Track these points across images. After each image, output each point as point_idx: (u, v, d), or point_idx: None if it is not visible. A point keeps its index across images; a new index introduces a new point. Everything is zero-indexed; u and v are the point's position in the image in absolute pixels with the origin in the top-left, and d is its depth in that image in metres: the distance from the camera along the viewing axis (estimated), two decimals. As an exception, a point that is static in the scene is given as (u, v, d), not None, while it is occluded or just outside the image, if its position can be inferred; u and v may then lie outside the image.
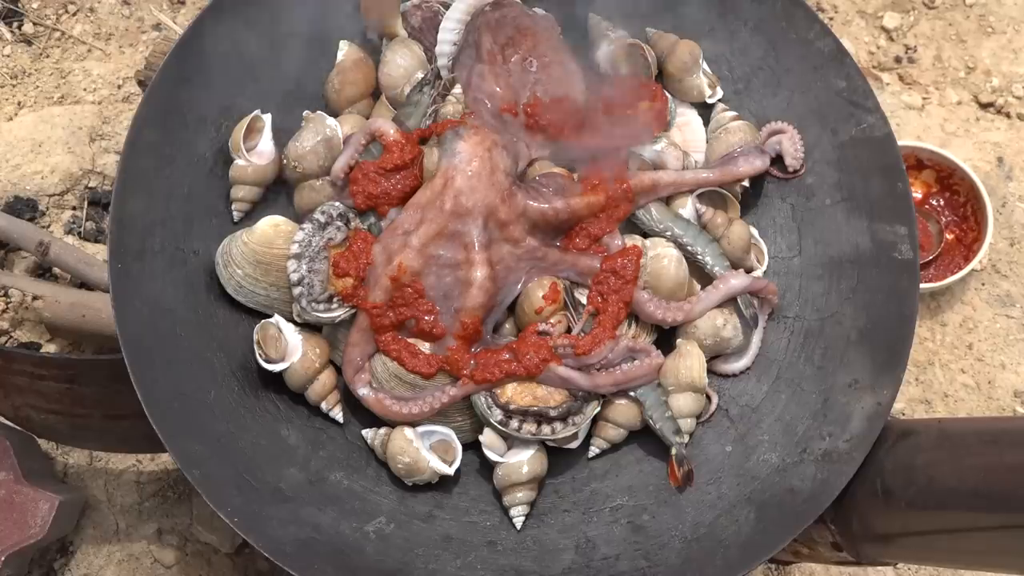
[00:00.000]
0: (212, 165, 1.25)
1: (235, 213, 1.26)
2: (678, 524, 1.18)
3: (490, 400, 1.17)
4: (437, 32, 1.28)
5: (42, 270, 1.79)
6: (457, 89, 1.29)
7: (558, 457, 1.22)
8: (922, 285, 1.71)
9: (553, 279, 1.20)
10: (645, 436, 1.23)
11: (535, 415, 1.15)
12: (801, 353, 1.25)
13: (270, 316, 1.21)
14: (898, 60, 2.02)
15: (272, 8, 1.28)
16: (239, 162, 1.24)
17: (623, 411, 1.20)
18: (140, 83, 1.68)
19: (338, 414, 1.22)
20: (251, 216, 1.25)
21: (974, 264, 1.78)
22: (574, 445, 1.21)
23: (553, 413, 1.15)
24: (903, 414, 1.79)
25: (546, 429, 1.16)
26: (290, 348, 1.18)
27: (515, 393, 1.16)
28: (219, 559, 1.65)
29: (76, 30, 1.97)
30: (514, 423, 1.16)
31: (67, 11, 1.98)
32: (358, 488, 1.19)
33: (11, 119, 1.89)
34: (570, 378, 1.16)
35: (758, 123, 1.30)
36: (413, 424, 1.19)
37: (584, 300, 1.20)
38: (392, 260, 1.16)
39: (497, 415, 1.16)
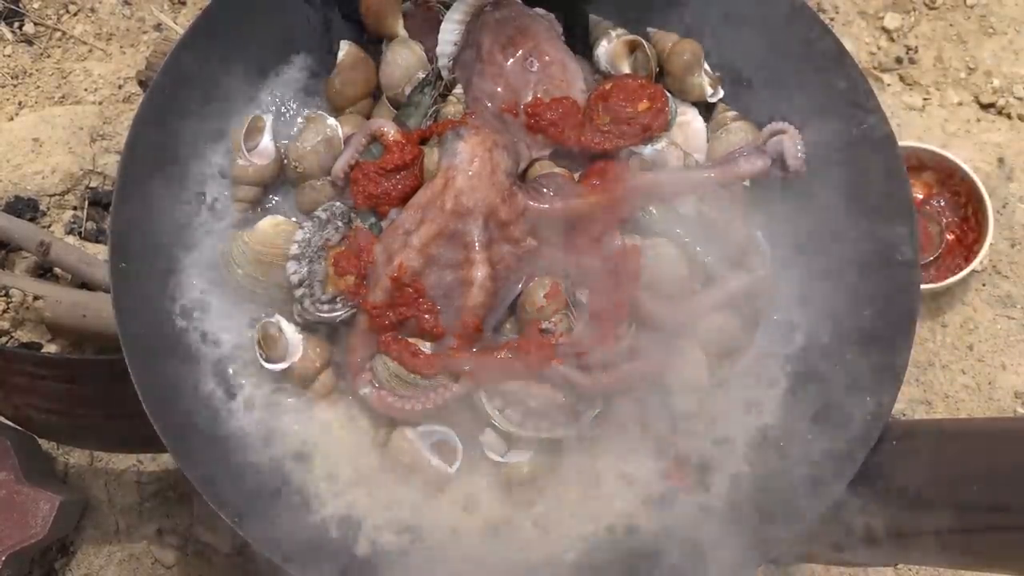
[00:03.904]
0: (212, 165, 1.25)
1: (236, 213, 1.25)
2: (678, 524, 1.18)
3: (490, 394, 1.17)
4: (438, 32, 1.28)
5: (43, 270, 1.79)
6: (458, 89, 1.29)
7: (558, 457, 1.22)
8: (923, 286, 1.71)
9: (554, 278, 1.20)
10: (645, 436, 1.22)
11: (515, 402, 1.16)
12: (801, 354, 1.25)
13: (271, 316, 1.21)
14: (899, 61, 2.02)
15: (273, 8, 1.28)
16: (240, 162, 1.24)
17: (623, 411, 1.20)
18: (141, 83, 1.68)
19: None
20: (252, 216, 1.25)
21: (975, 265, 1.78)
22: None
23: (532, 404, 1.15)
24: (903, 414, 1.79)
25: (530, 424, 1.16)
26: (290, 348, 1.18)
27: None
28: (219, 559, 1.65)
29: (77, 30, 1.97)
30: (497, 401, 1.16)
31: (68, 11, 1.98)
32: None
33: (12, 119, 1.89)
34: (571, 377, 1.15)
35: (759, 123, 1.30)
36: (415, 422, 1.19)
37: (585, 300, 1.20)
38: (393, 260, 1.16)
39: (499, 406, 1.16)
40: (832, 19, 2.04)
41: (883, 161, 1.25)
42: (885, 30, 2.04)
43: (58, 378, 1.33)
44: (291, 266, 1.17)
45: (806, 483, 1.16)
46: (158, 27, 1.98)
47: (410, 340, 1.19)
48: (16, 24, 1.96)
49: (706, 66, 1.31)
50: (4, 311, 1.76)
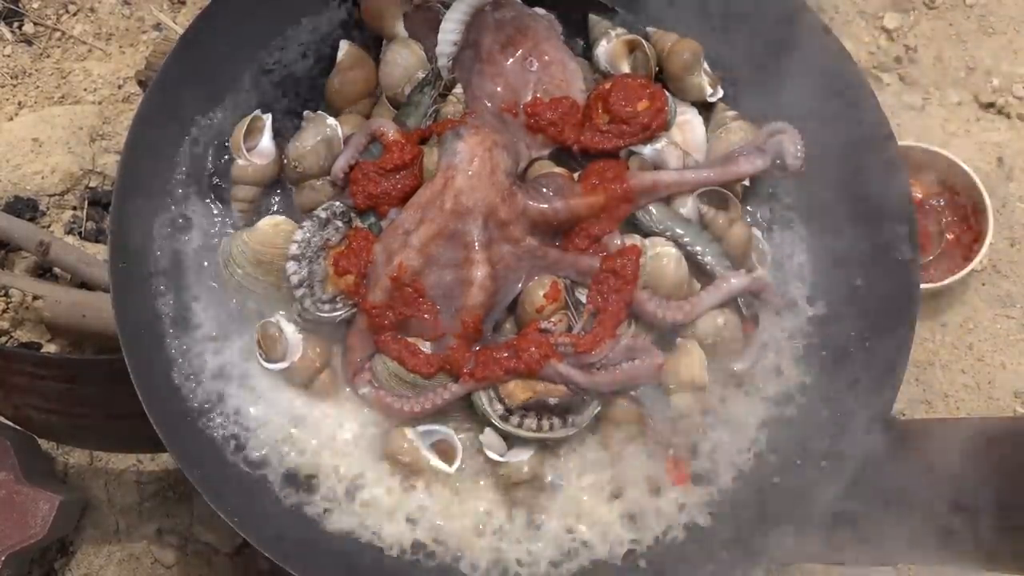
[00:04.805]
0: (212, 165, 1.25)
1: (235, 213, 1.26)
2: (677, 524, 1.18)
3: (492, 394, 1.17)
4: (438, 32, 1.28)
5: (42, 270, 1.79)
6: (457, 89, 1.29)
7: (557, 455, 1.22)
8: (922, 285, 1.71)
9: (554, 278, 1.20)
10: (644, 435, 1.22)
11: (535, 407, 1.16)
12: (802, 353, 1.25)
13: (271, 316, 1.21)
14: (898, 60, 2.02)
15: (273, 8, 1.28)
16: (239, 162, 1.24)
17: (624, 411, 1.20)
18: (140, 83, 1.68)
19: (338, 414, 1.22)
20: (251, 215, 1.25)
21: (974, 264, 1.78)
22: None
23: (552, 402, 1.15)
24: (903, 414, 1.79)
25: (546, 424, 1.16)
26: (290, 348, 1.18)
27: (516, 388, 1.16)
28: (219, 559, 1.65)
29: (76, 30, 1.97)
30: (515, 419, 1.16)
31: (67, 11, 1.98)
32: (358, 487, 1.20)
33: (12, 119, 1.89)
34: (570, 375, 1.15)
35: (758, 122, 1.30)
36: (414, 422, 1.19)
37: (584, 299, 1.20)
38: (392, 260, 1.16)
39: (499, 409, 1.16)
40: (832, 19, 2.04)
41: (883, 161, 1.25)
42: (885, 30, 2.04)
43: (58, 378, 1.33)
44: (291, 266, 1.17)
45: (806, 483, 1.16)
46: (158, 27, 1.98)
47: (410, 340, 1.19)
48: (16, 24, 1.96)
49: (705, 65, 1.31)
50: (4, 311, 1.76)
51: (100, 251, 1.79)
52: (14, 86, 1.92)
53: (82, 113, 1.89)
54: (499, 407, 1.16)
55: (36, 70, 1.93)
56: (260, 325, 1.19)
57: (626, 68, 1.30)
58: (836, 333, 1.24)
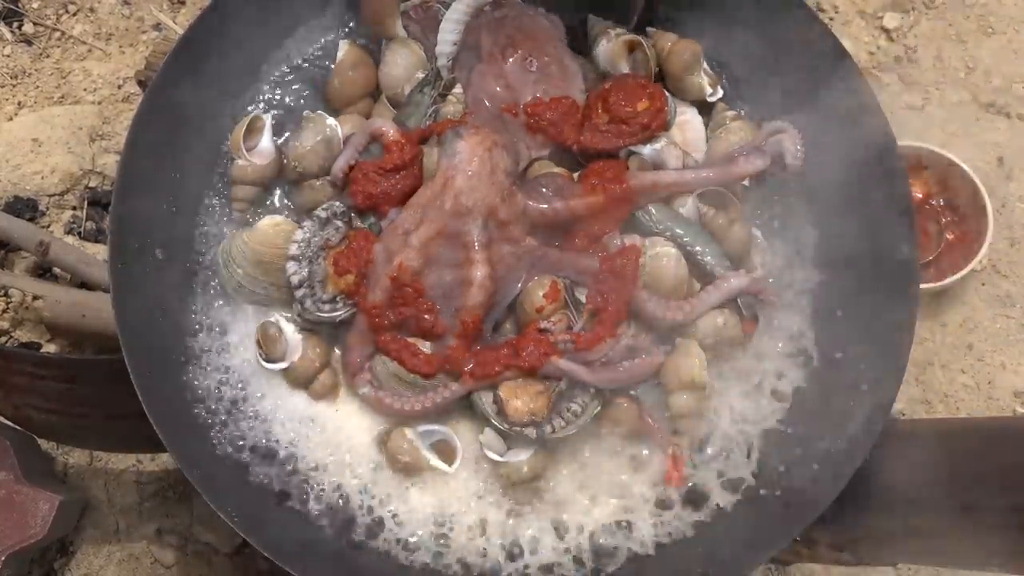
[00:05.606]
0: (212, 165, 1.26)
1: (235, 213, 1.26)
2: (677, 523, 1.18)
3: (492, 402, 1.17)
4: (437, 32, 1.28)
5: (42, 270, 1.79)
6: (457, 89, 1.29)
7: (557, 454, 1.22)
8: (922, 285, 1.71)
9: (554, 278, 1.20)
10: (644, 435, 1.22)
11: (535, 425, 1.16)
12: (801, 353, 1.25)
13: (271, 316, 1.21)
14: (898, 60, 2.02)
15: (272, 9, 1.28)
16: (239, 162, 1.24)
17: (623, 411, 1.20)
18: (140, 83, 1.68)
19: (338, 414, 1.22)
20: (251, 216, 1.25)
21: (974, 264, 1.78)
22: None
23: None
24: (903, 414, 1.79)
25: (547, 428, 1.16)
26: (290, 348, 1.19)
27: (519, 401, 1.16)
28: (219, 559, 1.65)
29: (76, 30, 1.97)
30: (516, 430, 1.17)
31: (67, 11, 1.98)
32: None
33: (11, 119, 1.89)
34: (571, 370, 1.15)
35: (758, 122, 1.30)
36: (414, 422, 1.19)
37: (584, 299, 1.20)
38: (392, 260, 1.16)
39: (503, 424, 1.16)
40: (832, 19, 2.04)
41: (882, 161, 1.25)
42: (884, 30, 2.04)
43: (58, 378, 1.33)
44: (291, 266, 1.17)
45: (806, 483, 1.16)
46: (157, 27, 1.98)
47: (410, 340, 1.19)
48: (16, 24, 1.96)
49: (705, 65, 1.31)
50: (4, 311, 1.76)
51: (100, 251, 1.79)
52: (14, 86, 1.92)
53: (82, 113, 1.89)
54: (504, 424, 1.17)
55: (36, 70, 1.93)
56: (260, 325, 1.20)
57: (626, 68, 1.30)
58: (836, 333, 1.24)
